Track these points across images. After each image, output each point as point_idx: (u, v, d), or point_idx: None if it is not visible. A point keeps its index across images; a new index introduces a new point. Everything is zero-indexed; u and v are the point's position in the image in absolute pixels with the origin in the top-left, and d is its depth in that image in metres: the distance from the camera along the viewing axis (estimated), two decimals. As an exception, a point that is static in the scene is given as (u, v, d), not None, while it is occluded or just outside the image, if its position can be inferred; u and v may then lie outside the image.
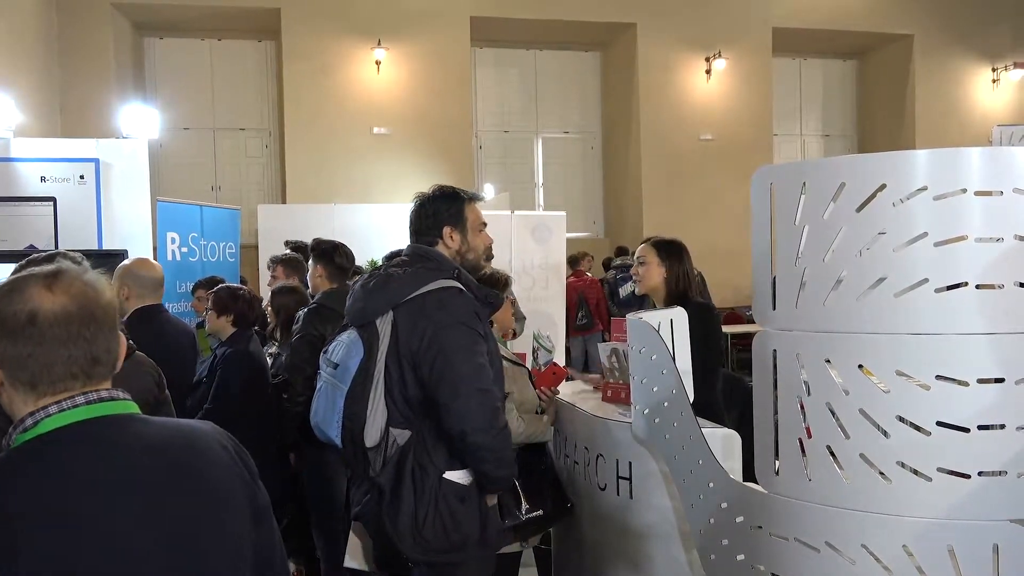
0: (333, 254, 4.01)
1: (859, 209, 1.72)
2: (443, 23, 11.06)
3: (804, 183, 1.80)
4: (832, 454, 1.77)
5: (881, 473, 1.71)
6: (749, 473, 2.13)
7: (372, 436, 2.37)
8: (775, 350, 1.87)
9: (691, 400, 2.25)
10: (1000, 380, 1.65)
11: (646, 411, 2.30)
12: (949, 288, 1.65)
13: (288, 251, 5.37)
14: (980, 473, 1.65)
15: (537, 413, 3.20)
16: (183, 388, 3.63)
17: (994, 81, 12.89)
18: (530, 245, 7.08)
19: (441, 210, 2.53)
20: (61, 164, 5.83)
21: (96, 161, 5.86)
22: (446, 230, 2.52)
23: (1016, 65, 12.70)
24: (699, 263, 3.45)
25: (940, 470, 1.66)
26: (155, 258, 5.71)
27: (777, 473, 1.89)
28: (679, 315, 2.61)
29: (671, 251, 3.34)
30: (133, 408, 1.26)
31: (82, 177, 5.82)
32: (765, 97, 12.25)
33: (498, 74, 12.38)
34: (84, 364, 1.19)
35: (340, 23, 10.77)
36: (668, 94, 11.84)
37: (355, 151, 10.87)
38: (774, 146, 12.68)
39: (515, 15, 11.30)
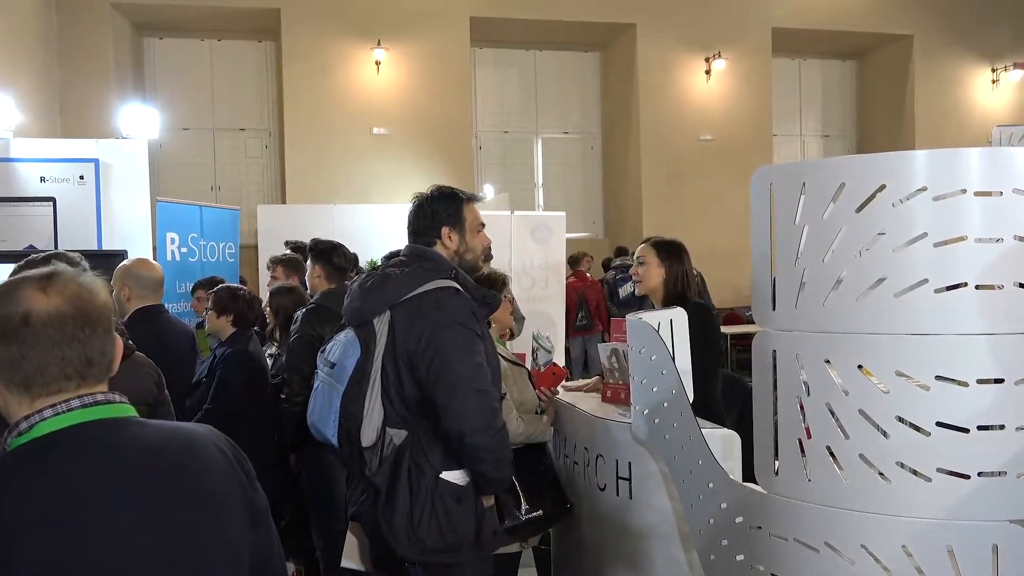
0: (331, 254, 4.00)
1: (859, 209, 1.72)
2: (443, 23, 11.07)
3: (804, 183, 1.80)
4: (832, 454, 1.77)
5: (881, 473, 1.71)
6: (749, 474, 2.13)
7: (368, 436, 2.37)
8: (775, 350, 1.87)
9: (691, 400, 2.25)
10: (1000, 381, 1.65)
11: (646, 411, 2.30)
12: (949, 288, 1.65)
13: (288, 251, 5.37)
14: (980, 474, 1.65)
15: (537, 413, 3.20)
16: (183, 388, 3.63)
17: (994, 81, 12.90)
18: (530, 245, 7.08)
19: (440, 210, 2.53)
20: (61, 164, 5.83)
21: (96, 161, 5.86)
22: (444, 230, 2.52)
23: (1016, 65, 12.71)
24: (699, 263, 3.45)
25: (940, 470, 1.66)
26: (155, 258, 5.71)
27: (777, 473, 1.89)
28: (679, 315, 2.62)
29: (671, 251, 3.34)
30: (130, 411, 1.26)
31: (82, 177, 5.82)
32: (765, 97, 12.25)
33: (498, 74, 12.39)
34: (78, 365, 1.19)
35: (340, 23, 10.77)
36: (668, 94, 11.84)
37: (355, 151, 10.87)
38: (774, 146, 12.68)
39: (515, 15, 11.30)
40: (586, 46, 12.52)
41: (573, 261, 9.22)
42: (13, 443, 1.17)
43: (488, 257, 2.72)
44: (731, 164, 11.40)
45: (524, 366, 3.32)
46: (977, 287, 1.65)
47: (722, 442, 2.49)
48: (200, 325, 4.58)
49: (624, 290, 8.66)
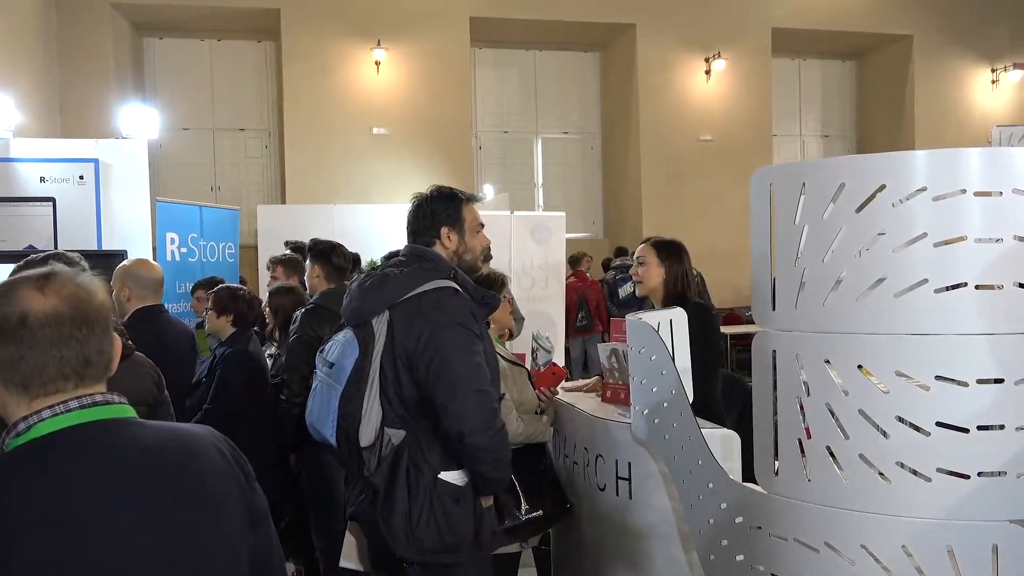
0: (331, 254, 4.00)
1: (859, 209, 1.72)
2: (443, 23, 11.07)
3: (804, 183, 1.80)
4: (832, 454, 1.77)
5: (881, 473, 1.71)
6: (749, 474, 2.13)
7: (367, 436, 2.37)
8: (774, 351, 1.87)
9: (690, 400, 2.25)
10: (999, 381, 1.65)
11: (645, 411, 2.30)
12: (948, 289, 1.65)
13: (288, 251, 5.37)
14: (979, 474, 1.65)
15: (537, 413, 3.20)
16: (183, 388, 3.63)
17: (993, 82, 12.90)
18: (529, 245, 7.08)
19: (439, 210, 2.52)
20: (60, 164, 5.82)
21: (95, 161, 5.85)
22: (444, 230, 2.52)
23: (1015, 66, 12.71)
24: (699, 263, 3.45)
25: (939, 470, 1.66)
26: (154, 258, 5.71)
27: (777, 473, 1.89)
28: (678, 315, 2.61)
29: (671, 251, 3.34)
30: (129, 412, 1.25)
31: (81, 177, 5.81)
32: (764, 97, 12.25)
33: (498, 74, 12.39)
34: (76, 365, 1.19)
35: (340, 23, 10.77)
36: (667, 94, 11.84)
37: (355, 151, 10.87)
38: (773, 146, 12.69)
39: (515, 15, 11.30)
40: (586, 46, 12.52)
41: (574, 261, 9.22)
42: (11, 444, 1.17)
43: (487, 257, 2.72)
44: (731, 164, 11.40)
45: (524, 366, 3.32)
46: (977, 287, 1.65)
47: (722, 442, 2.49)
48: (200, 325, 4.58)
49: (624, 290, 8.66)
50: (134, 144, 6.39)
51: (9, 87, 7.40)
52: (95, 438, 1.19)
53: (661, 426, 2.25)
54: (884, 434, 1.70)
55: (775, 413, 1.89)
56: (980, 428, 1.65)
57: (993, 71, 12.87)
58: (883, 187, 1.69)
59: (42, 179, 5.78)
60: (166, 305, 3.91)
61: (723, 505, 2.06)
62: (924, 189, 1.66)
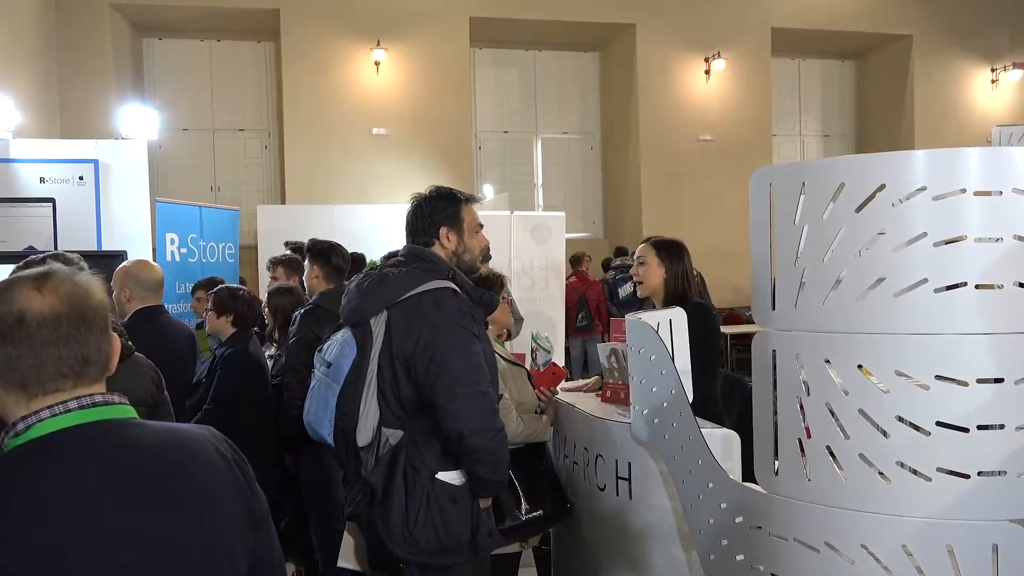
0: (329, 254, 4.00)
1: (858, 209, 1.72)
2: (442, 24, 11.07)
3: (803, 183, 1.80)
4: (832, 454, 1.77)
5: (881, 473, 1.71)
6: (748, 473, 2.13)
7: (364, 435, 2.37)
8: (774, 350, 1.87)
9: (690, 400, 2.25)
10: (999, 380, 1.65)
11: (645, 411, 2.29)
12: (948, 288, 1.65)
13: (288, 252, 5.37)
14: (979, 473, 1.65)
15: (537, 413, 3.20)
16: (183, 389, 3.63)
17: (993, 81, 12.90)
18: (529, 246, 7.08)
19: (438, 211, 2.52)
20: (60, 165, 5.82)
21: (95, 162, 5.85)
22: (443, 231, 2.52)
23: (1015, 65, 12.71)
24: (698, 263, 3.45)
25: (939, 470, 1.66)
26: (154, 259, 5.72)
27: (776, 473, 1.89)
28: (678, 315, 2.61)
29: (671, 251, 3.33)
30: (130, 412, 1.25)
31: (81, 178, 5.81)
32: (764, 97, 12.26)
33: (497, 75, 12.39)
34: (74, 364, 1.18)
35: (339, 24, 10.77)
36: (667, 94, 11.84)
37: (354, 152, 10.87)
38: (773, 146, 12.69)
39: (514, 15, 11.30)
40: (586, 46, 12.52)
41: (575, 261, 9.22)
42: (10, 444, 1.17)
43: (486, 258, 2.72)
44: (731, 164, 11.40)
45: (523, 366, 3.32)
46: (977, 287, 1.65)
47: (722, 442, 2.48)
48: (200, 326, 4.58)
49: (624, 290, 8.66)
50: (134, 144, 6.38)
51: (9, 87, 7.40)
52: (94, 438, 1.18)
53: (661, 426, 2.25)
54: (884, 434, 1.70)
55: (775, 413, 1.89)
56: (980, 428, 1.65)
57: (993, 71, 12.87)
58: (883, 187, 1.69)
59: (42, 180, 5.77)
60: (166, 306, 3.91)
61: (723, 505, 2.06)
62: (924, 189, 1.66)
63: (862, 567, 1.73)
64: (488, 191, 11.03)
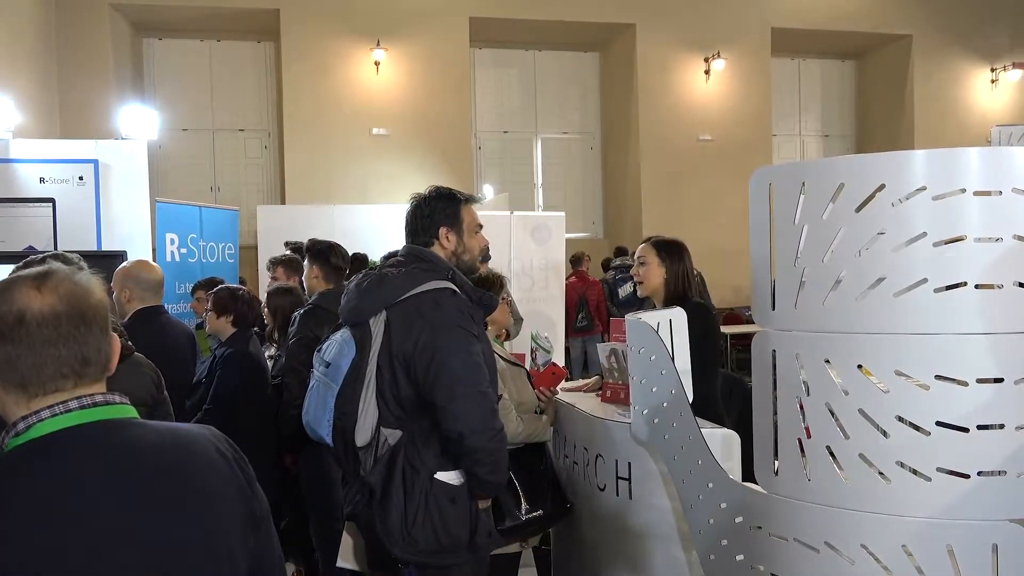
0: (328, 254, 3.99)
1: (858, 209, 1.72)
2: (442, 24, 11.07)
3: (803, 183, 1.80)
4: (831, 454, 1.77)
5: (880, 473, 1.71)
6: (748, 473, 2.13)
7: (363, 435, 2.36)
8: (774, 350, 1.87)
9: (690, 400, 2.25)
10: (999, 380, 1.65)
11: (645, 411, 2.29)
12: (948, 288, 1.65)
13: (288, 252, 5.37)
14: (979, 473, 1.65)
15: (536, 413, 3.20)
16: (183, 389, 3.63)
17: (993, 81, 12.90)
18: (529, 246, 7.08)
19: (437, 211, 2.52)
20: (60, 165, 5.82)
21: (95, 162, 5.85)
22: (442, 231, 2.51)
23: (1015, 65, 12.71)
24: (699, 263, 3.45)
25: (939, 470, 1.66)
26: (154, 259, 5.71)
27: (776, 473, 1.89)
28: (678, 315, 2.61)
29: (671, 251, 3.33)
30: (131, 412, 1.25)
31: (81, 178, 5.81)
32: (764, 97, 12.26)
33: (497, 75, 12.39)
34: (74, 364, 1.18)
35: (339, 24, 10.77)
36: (667, 94, 11.84)
37: (354, 152, 10.87)
38: (773, 146, 12.69)
39: (514, 16, 11.30)
40: (585, 46, 12.52)
41: (576, 260, 9.22)
42: (10, 443, 1.16)
43: (486, 258, 2.72)
44: (730, 164, 11.40)
45: (523, 366, 3.32)
46: (976, 287, 1.65)
47: (722, 442, 2.48)
48: (200, 326, 4.58)
49: (624, 290, 8.66)
50: (134, 145, 6.38)
51: (9, 88, 7.40)
52: (95, 438, 1.18)
53: (661, 426, 2.25)
54: (884, 434, 1.70)
55: (775, 413, 1.89)
56: (980, 427, 1.65)
57: (992, 71, 12.87)
58: (883, 187, 1.69)
59: (42, 180, 5.78)
60: (166, 306, 3.91)
61: (723, 505, 2.06)
62: (924, 189, 1.66)
63: (862, 567, 1.73)
64: (488, 191, 11.03)
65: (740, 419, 2.92)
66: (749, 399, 1.98)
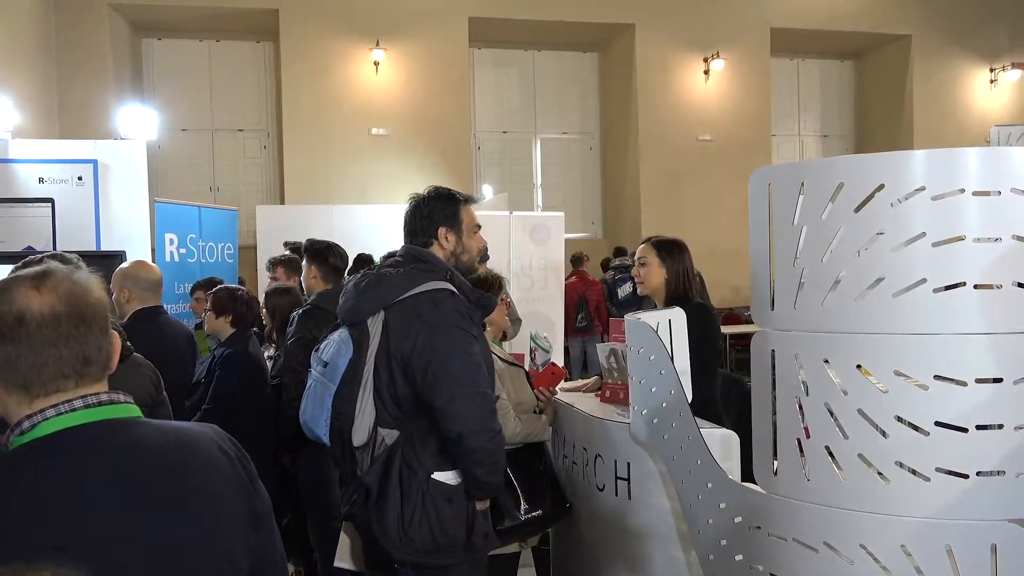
0: (327, 254, 3.99)
1: (857, 209, 1.72)
2: (442, 24, 11.07)
3: (802, 183, 1.80)
4: (831, 454, 1.77)
5: (879, 473, 1.71)
6: (748, 473, 2.13)
7: (360, 435, 2.36)
8: (773, 350, 1.87)
9: (689, 400, 2.25)
10: (998, 380, 1.65)
11: (644, 412, 2.29)
12: (947, 288, 1.65)
13: (287, 252, 5.37)
14: (978, 473, 1.65)
15: (535, 413, 3.20)
16: (182, 389, 3.63)
17: (992, 81, 12.91)
18: (529, 246, 7.08)
19: (436, 211, 2.52)
20: (59, 165, 5.82)
21: (94, 162, 5.85)
22: (441, 231, 2.51)
23: (1014, 65, 12.72)
24: (698, 263, 3.45)
25: (938, 470, 1.66)
26: (153, 259, 5.72)
27: (775, 473, 1.89)
28: (678, 315, 2.61)
29: (671, 251, 3.33)
30: (135, 411, 1.25)
31: (80, 178, 5.81)
32: (763, 97, 12.26)
33: (497, 75, 12.39)
34: (75, 364, 1.18)
35: (338, 24, 10.77)
36: (666, 95, 11.85)
37: (353, 152, 10.87)
38: (772, 146, 12.69)
39: (514, 16, 11.30)
40: (585, 46, 12.53)
41: (576, 260, 9.22)
42: (15, 442, 1.16)
43: (484, 258, 2.71)
44: (730, 164, 11.40)
45: (521, 366, 3.32)
46: (976, 287, 1.65)
47: (721, 442, 2.49)
48: (199, 326, 4.57)
49: (623, 290, 8.66)
50: (133, 145, 6.38)
51: (8, 88, 7.40)
52: (99, 438, 1.18)
53: (660, 426, 2.25)
54: (883, 434, 1.70)
55: (774, 413, 1.89)
56: (979, 427, 1.65)
57: (992, 71, 12.88)
58: (882, 187, 1.69)
59: (41, 180, 5.77)
60: (165, 306, 3.91)
61: (722, 505, 2.06)
62: (923, 189, 1.66)
63: (861, 567, 1.73)
64: (487, 191, 11.03)
65: (739, 419, 2.92)
66: (748, 399, 1.98)
